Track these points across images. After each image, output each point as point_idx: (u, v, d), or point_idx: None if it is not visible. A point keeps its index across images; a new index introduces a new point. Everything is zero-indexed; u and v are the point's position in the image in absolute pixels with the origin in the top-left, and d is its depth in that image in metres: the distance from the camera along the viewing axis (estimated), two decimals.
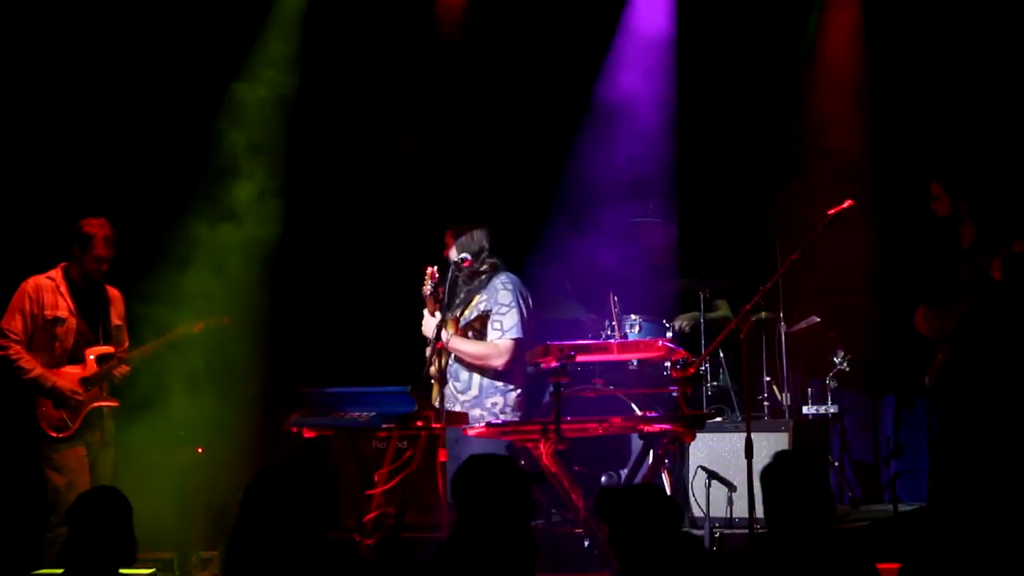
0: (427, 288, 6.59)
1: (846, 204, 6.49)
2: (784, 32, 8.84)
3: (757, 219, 8.56)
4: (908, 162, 8.30)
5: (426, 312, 6.68)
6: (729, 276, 8.33)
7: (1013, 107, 8.02)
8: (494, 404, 6.61)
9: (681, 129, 8.89)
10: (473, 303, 6.69)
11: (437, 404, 6.48)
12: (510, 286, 6.67)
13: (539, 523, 7.07)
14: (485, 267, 6.72)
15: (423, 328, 6.74)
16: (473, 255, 6.65)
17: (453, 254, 6.71)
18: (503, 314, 6.60)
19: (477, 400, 6.62)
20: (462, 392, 6.65)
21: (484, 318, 6.63)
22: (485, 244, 6.74)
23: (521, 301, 6.65)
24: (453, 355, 6.63)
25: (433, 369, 6.57)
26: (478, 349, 6.60)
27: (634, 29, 9.07)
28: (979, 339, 6.54)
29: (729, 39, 8.88)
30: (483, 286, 6.70)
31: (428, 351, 6.65)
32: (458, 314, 6.69)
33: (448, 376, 6.65)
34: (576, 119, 9.08)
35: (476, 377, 6.63)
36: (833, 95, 8.68)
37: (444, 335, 6.50)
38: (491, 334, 6.60)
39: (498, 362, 6.57)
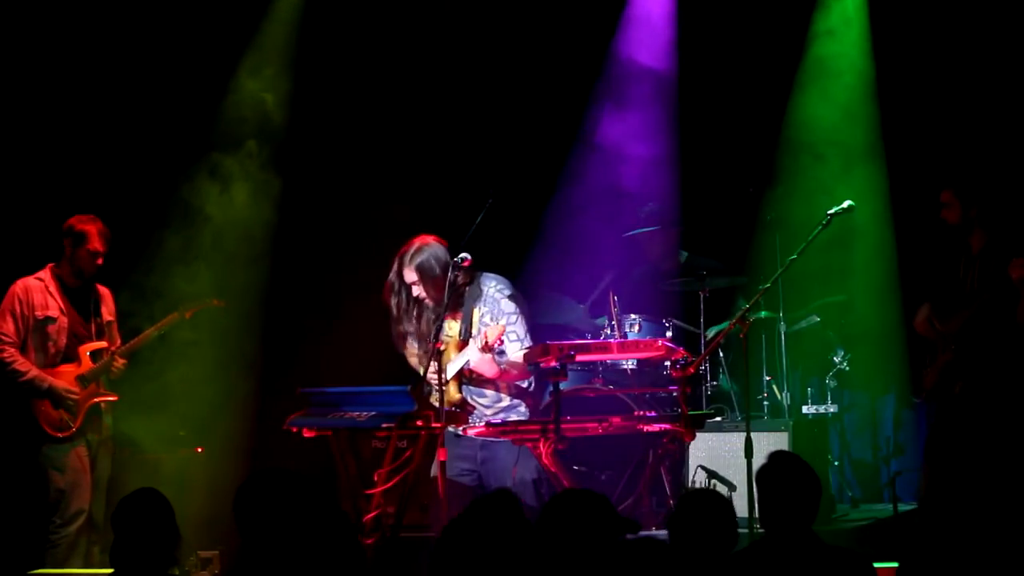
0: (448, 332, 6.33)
1: (845, 204, 6.52)
2: (785, 29, 8.82)
3: (757, 218, 8.55)
4: (913, 162, 8.30)
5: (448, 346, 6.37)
6: (729, 276, 8.32)
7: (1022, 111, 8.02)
8: (527, 408, 6.54)
9: (682, 128, 8.88)
10: (475, 319, 6.43)
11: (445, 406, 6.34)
12: (506, 291, 6.46)
13: None
14: (468, 274, 6.42)
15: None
16: (444, 269, 6.31)
17: (418, 288, 6.37)
18: (514, 323, 6.38)
19: (511, 407, 6.50)
20: (490, 406, 6.50)
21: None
22: (446, 254, 6.38)
23: (520, 302, 6.50)
24: (467, 376, 6.39)
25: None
26: (516, 368, 6.35)
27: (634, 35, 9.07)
28: (983, 342, 6.53)
29: (729, 38, 8.87)
30: (477, 296, 6.44)
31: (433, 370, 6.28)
32: (459, 335, 6.40)
33: (468, 396, 6.45)
34: (576, 118, 9.07)
35: (502, 387, 6.48)
36: (835, 91, 8.68)
37: (471, 358, 6.20)
38: (510, 346, 6.37)
39: (528, 371, 6.40)
